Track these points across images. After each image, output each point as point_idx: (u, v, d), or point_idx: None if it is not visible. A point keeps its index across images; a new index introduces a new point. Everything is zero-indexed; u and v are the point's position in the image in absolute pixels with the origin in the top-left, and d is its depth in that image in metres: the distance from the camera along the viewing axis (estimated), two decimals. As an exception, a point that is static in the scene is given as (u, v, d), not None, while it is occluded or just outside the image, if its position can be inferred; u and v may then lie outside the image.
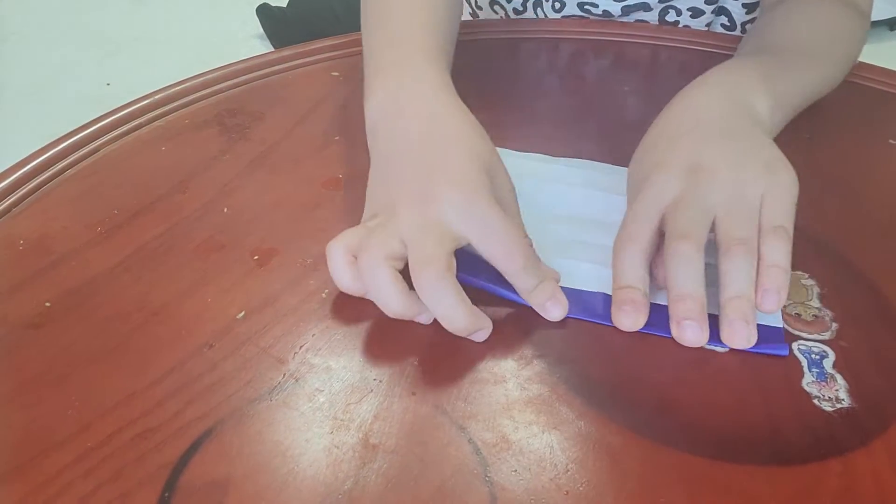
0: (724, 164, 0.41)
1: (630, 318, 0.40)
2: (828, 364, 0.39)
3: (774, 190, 0.41)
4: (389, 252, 0.38)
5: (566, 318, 0.41)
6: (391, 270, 0.38)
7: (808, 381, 0.38)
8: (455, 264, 0.38)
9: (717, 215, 0.40)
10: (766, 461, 0.35)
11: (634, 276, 0.40)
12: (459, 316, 0.38)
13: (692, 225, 0.40)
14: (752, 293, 0.39)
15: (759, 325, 0.39)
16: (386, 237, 0.38)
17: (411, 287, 0.38)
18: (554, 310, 0.40)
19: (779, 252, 0.39)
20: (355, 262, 0.39)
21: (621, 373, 0.39)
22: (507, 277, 0.40)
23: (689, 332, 0.39)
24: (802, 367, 0.39)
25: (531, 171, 0.51)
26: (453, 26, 0.56)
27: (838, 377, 0.38)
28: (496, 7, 0.79)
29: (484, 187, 0.40)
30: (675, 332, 0.39)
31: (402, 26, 0.51)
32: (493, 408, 0.36)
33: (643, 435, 0.36)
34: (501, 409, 0.36)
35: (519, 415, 0.36)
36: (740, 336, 0.39)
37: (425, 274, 0.37)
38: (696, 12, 0.74)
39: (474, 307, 0.38)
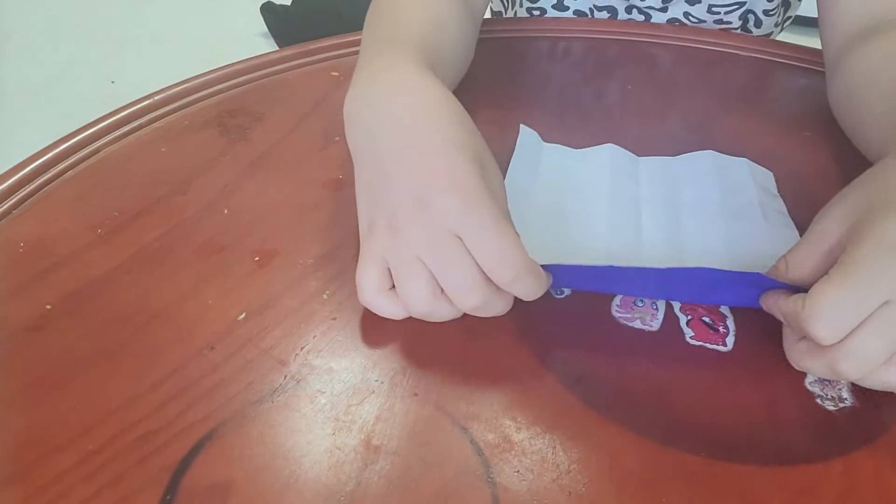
0: None
1: None
2: (831, 363, 0.39)
3: None
4: (426, 284, 0.38)
5: (569, 315, 0.40)
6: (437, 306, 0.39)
7: (811, 381, 0.38)
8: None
9: None
10: (769, 461, 0.35)
11: None
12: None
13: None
14: None
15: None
16: (408, 268, 0.38)
17: None
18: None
19: None
20: (392, 294, 0.39)
21: (623, 372, 0.38)
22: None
23: None
24: (805, 366, 0.39)
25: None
26: (456, 55, 0.55)
27: (841, 376, 0.38)
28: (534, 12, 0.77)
29: (480, 186, 0.38)
30: None
31: (401, 28, 0.50)
32: (495, 408, 0.36)
33: (645, 435, 0.35)
34: (503, 410, 0.36)
35: (521, 415, 0.36)
36: None
37: (468, 304, 0.38)
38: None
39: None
